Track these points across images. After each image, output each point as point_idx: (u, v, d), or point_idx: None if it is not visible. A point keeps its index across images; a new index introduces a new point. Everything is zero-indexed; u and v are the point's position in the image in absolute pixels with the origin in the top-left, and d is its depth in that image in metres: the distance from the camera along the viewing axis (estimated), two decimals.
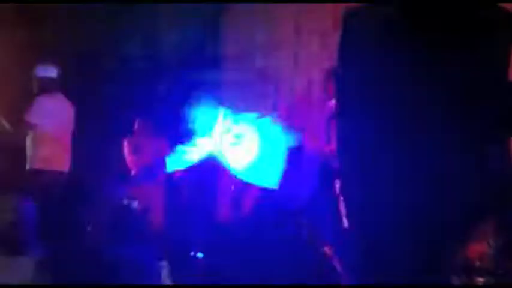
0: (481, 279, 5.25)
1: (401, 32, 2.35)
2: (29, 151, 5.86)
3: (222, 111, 5.05)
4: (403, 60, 2.30)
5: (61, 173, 5.89)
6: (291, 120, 5.48)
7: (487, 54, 2.29)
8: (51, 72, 5.84)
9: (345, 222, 4.35)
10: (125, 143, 6.59)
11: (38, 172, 5.81)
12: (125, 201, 6.09)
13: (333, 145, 4.31)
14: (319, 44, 6.46)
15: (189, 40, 7.10)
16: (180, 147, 5.35)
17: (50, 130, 5.79)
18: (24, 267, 3.99)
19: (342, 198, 3.31)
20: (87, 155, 6.34)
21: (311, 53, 6.68)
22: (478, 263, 5.59)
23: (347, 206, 2.63)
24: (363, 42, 2.43)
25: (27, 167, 5.86)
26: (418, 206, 2.24)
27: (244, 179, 4.89)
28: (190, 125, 5.61)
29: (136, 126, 6.56)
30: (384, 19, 2.43)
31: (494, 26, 2.36)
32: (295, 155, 4.80)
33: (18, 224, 4.59)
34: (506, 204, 2.56)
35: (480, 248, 5.62)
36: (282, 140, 4.74)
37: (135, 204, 6.11)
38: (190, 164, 5.41)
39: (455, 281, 4.92)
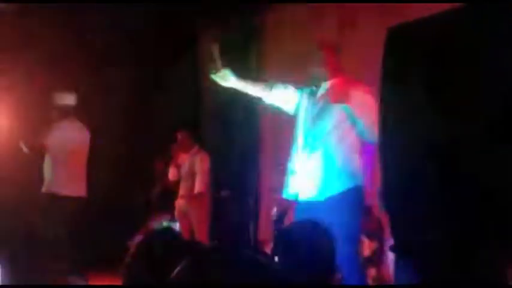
0: None
1: None
2: (46, 175, 5.92)
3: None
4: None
5: (78, 198, 5.91)
6: None
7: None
8: (69, 99, 5.95)
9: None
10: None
11: (53, 195, 5.83)
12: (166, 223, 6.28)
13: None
14: None
15: None
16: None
17: (67, 155, 5.85)
18: None
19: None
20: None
21: None
22: None
23: None
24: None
25: (43, 190, 5.92)
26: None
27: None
28: None
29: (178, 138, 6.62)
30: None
31: None
32: None
33: None
34: None
35: None
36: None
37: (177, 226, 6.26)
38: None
39: None
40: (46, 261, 4.92)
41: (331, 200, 4.19)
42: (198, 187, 6.60)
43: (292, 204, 7.62)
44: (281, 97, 4.41)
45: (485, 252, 2.47)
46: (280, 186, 7.77)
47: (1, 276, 4.21)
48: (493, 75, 2.44)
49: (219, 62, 4.22)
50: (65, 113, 5.89)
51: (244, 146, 7.79)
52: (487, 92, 2.44)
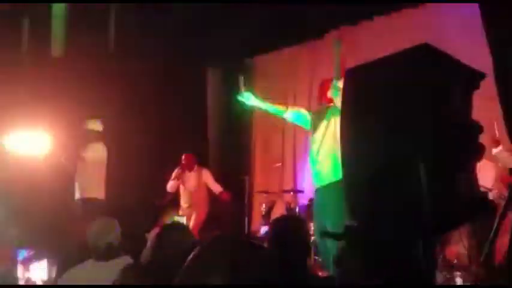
0: (458, 273, 5.34)
1: None
2: (78, 184, 5.97)
3: None
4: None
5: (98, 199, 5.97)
6: None
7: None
8: (97, 126, 6.04)
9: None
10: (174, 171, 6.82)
11: (84, 200, 5.89)
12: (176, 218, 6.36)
13: None
14: None
15: None
16: None
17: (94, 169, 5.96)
18: None
19: None
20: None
21: None
22: (455, 261, 5.70)
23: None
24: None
25: (76, 196, 5.96)
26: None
27: None
28: None
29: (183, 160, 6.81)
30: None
31: None
32: None
33: None
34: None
35: (456, 249, 5.73)
36: None
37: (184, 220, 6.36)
38: None
39: (439, 276, 5.05)
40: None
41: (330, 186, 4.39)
42: (217, 188, 6.90)
43: (275, 202, 7.83)
44: (296, 116, 4.76)
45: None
46: (268, 187, 8.04)
47: (49, 272, 4.15)
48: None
49: (242, 88, 4.64)
50: (95, 136, 5.95)
51: (239, 160, 8.07)
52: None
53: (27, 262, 3.27)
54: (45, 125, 5.68)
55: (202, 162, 7.25)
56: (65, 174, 5.99)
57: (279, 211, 7.38)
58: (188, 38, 6.60)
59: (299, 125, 4.93)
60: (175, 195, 6.97)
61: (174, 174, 6.78)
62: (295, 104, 7.09)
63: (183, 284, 1.58)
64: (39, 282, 2.92)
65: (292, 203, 7.30)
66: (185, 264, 1.61)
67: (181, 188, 6.90)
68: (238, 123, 8.20)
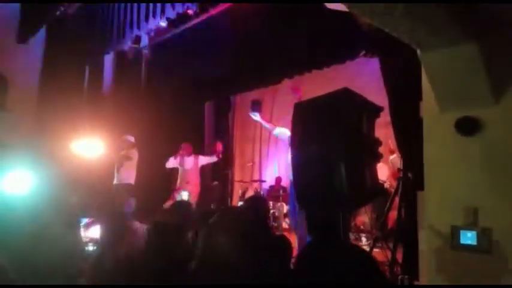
0: (363, 235, 5.46)
1: None
2: (118, 174, 5.95)
3: None
4: None
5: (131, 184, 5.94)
6: None
7: None
8: (131, 138, 6.03)
9: None
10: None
11: (121, 184, 5.87)
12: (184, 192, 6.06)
13: None
14: None
15: None
16: None
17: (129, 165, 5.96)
18: None
19: None
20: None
21: None
22: (362, 227, 5.83)
23: None
24: None
25: (115, 182, 5.93)
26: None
27: None
28: None
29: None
30: None
31: None
32: None
33: None
34: (375, 197, 2.82)
35: (363, 219, 5.87)
36: None
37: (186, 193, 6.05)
38: None
39: (351, 236, 5.12)
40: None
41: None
42: (211, 158, 6.53)
43: (248, 188, 7.74)
44: (279, 132, 4.81)
45: None
46: (243, 178, 8.09)
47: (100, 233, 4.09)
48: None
49: (252, 112, 4.84)
50: (130, 145, 5.97)
51: (225, 159, 7.93)
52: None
53: (87, 226, 3.25)
54: (99, 136, 5.62)
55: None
56: (108, 168, 5.92)
57: (250, 193, 7.47)
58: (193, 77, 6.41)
59: (281, 138, 4.89)
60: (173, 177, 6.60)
61: (174, 157, 6.40)
62: None
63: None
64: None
65: (258, 189, 7.41)
66: (206, 227, 1.40)
67: (180, 169, 6.41)
68: (225, 135, 8.26)
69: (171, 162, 6.41)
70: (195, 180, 6.45)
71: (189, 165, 6.43)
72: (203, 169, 6.68)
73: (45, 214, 2.66)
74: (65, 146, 5.34)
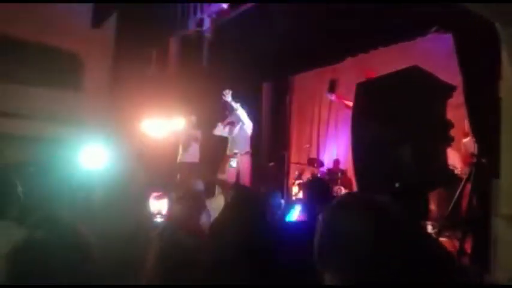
0: (429, 223, 5.15)
1: None
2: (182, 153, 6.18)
3: None
4: None
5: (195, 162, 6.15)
6: None
7: None
8: (193, 119, 6.21)
9: None
10: None
11: (184, 162, 6.10)
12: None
13: None
14: None
15: None
16: None
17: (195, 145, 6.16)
18: None
19: None
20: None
21: None
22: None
23: None
24: None
25: (178, 160, 6.15)
26: None
27: None
28: None
29: None
30: None
31: None
32: None
33: None
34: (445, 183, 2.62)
35: (430, 206, 5.52)
36: None
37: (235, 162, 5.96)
38: None
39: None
40: None
41: None
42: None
43: (304, 170, 7.58)
44: None
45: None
46: (301, 159, 8.04)
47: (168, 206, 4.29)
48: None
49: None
50: (193, 126, 6.19)
51: (281, 141, 7.92)
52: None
53: (157, 199, 3.39)
54: (166, 116, 5.86)
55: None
56: (173, 147, 6.15)
57: (306, 176, 7.42)
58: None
59: None
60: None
61: (222, 123, 6.17)
62: None
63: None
64: (163, 212, 3.01)
65: (315, 171, 7.34)
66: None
67: (229, 138, 6.16)
68: (283, 120, 8.25)
69: (219, 130, 6.24)
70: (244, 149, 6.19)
71: (236, 133, 6.15)
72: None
73: (118, 187, 2.84)
74: (135, 124, 5.61)
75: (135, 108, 5.73)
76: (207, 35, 6.88)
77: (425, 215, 3.71)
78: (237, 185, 2.77)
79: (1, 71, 5.41)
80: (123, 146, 4.90)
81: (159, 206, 3.18)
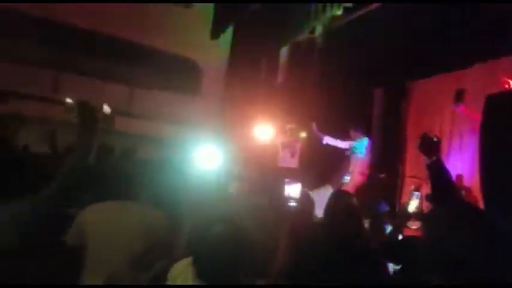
0: None
1: None
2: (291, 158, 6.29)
3: None
4: None
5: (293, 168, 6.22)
6: None
7: None
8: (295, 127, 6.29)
9: None
10: None
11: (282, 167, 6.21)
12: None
13: None
14: None
15: None
16: None
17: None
18: None
19: None
20: None
21: None
22: None
23: None
24: None
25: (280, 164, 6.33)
26: None
27: None
28: None
29: None
30: None
31: None
32: None
33: None
34: None
35: None
36: None
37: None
38: None
39: None
40: None
41: None
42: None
43: (422, 184, 6.92)
44: None
45: None
46: (419, 172, 7.35)
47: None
48: None
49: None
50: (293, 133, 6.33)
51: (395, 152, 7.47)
52: None
53: (288, 184, 3.19)
54: (274, 122, 5.98)
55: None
56: (273, 152, 6.28)
57: (425, 191, 6.76)
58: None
59: None
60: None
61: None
62: None
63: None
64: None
65: None
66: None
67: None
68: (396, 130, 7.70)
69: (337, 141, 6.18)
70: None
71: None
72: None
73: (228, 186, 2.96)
74: (245, 129, 5.82)
75: (246, 113, 5.94)
76: (318, 41, 6.80)
77: None
78: (338, 192, 2.72)
79: (128, 76, 6.19)
80: (234, 149, 5.08)
81: (290, 191, 3.16)
